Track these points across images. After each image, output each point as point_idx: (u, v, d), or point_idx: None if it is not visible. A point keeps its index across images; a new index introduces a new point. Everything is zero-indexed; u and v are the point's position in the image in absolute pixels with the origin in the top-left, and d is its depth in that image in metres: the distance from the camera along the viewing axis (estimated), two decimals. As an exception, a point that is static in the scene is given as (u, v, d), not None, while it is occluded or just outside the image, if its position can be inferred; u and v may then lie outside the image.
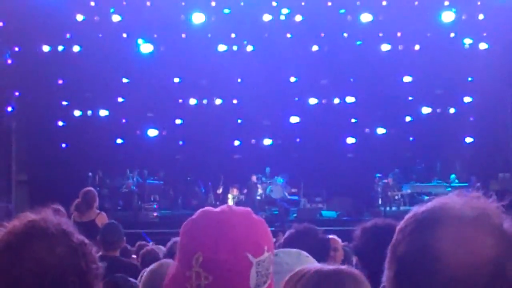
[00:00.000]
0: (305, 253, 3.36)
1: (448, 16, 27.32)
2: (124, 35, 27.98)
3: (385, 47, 28.36)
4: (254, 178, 27.03)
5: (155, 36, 28.08)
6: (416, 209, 1.75)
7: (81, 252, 2.25)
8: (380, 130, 29.65)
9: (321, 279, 2.44)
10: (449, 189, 26.02)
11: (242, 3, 27.19)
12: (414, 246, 1.66)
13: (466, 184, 26.51)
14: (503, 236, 1.63)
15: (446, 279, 1.60)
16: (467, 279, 1.59)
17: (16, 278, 2.15)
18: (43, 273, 2.15)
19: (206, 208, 2.36)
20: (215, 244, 2.18)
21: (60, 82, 28.13)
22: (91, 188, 12.27)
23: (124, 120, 29.32)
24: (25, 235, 2.21)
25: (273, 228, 22.54)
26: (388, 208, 26.33)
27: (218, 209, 2.32)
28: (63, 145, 28.72)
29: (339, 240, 8.06)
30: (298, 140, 29.86)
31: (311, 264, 3.24)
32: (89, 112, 29.03)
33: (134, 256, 10.13)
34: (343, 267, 2.56)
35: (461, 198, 1.72)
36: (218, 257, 2.16)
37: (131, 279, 5.42)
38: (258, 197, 27.08)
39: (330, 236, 6.77)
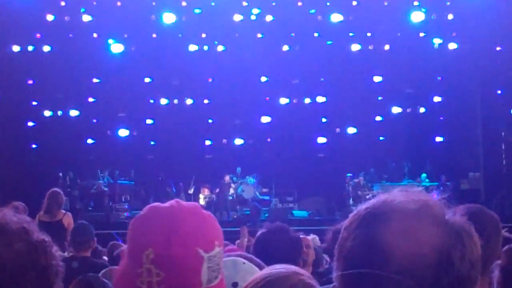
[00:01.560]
0: (241, 259, 3.31)
1: (417, 16, 27.48)
2: (95, 35, 27.90)
3: (355, 47, 28.48)
4: (227, 178, 27.00)
5: (126, 36, 28.02)
6: (360, 207, 1.78)
7: (41, 249, 2.24)
8: (351, 130, 29.73)
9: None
10: (420, 188, 26.13)
11: (213, 3, 27.19)
12: (360, 242, 1.68)
13: (437, 184, 26.68)
14: (446, 225, 1.67)
15: (393, 272, 1.61)
16: (414, 270, 1.61)
17: None
18: (1, 269, 2.15)
19: (154, 204, 2.34)
20: (166, 240, 2.16)
21: (30, 82, 27.96)
22: (58, 189, 12.26)
23: (94, 120, 29.23)
24: None
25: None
26: (359, 208, 26.31)
27: (166, 204, 2.30)
28: (33, 146, 28.55)
29: (310, 239, 8.08)
30: (269, 140, 29.85)
31: (250, 269, 3.22)
32: (60, 112, 28.88)
33: (106, 257, 10.09)
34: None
35: (402, 193, 1.75)
36: (170, 253, 2.14)
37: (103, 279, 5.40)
38: (230, 197, 27.07)
39: (301, 236, 6.79)
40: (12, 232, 2.21)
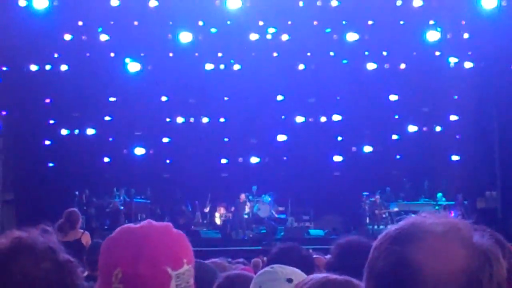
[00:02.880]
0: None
1: (433, 35, 27.44)
2: (112, 54, 28.00)
3: (371, 66, 28.48)
4: (242, 196, 26.95)
5: (143, 55, 28.11)
6: (389, 228, 1.84)
7: (67, 269, 2.28)
8: (367, 148, 29.68)
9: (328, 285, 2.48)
10: (437, 207, 26.10)
11: (229, 22, 27.24)
12: (391, 261, 1.74)
13: (453, 202, 26.58)
14: (474, 248, 1.74)
15: None
16: None
17: None
18: (28, 287, 2.18)
19: (126, 225, 2.39)
20: (134, 259, 2.19)
21: (48, 101, 28.09)
22: (75, 209, 12.33)
23: (111, 139, 29.28)
24: (12, 251, 2.24)
25: (260, 247, 22.54)
26: (376, 227, 26.28)
27: (138, 225, 2.35)
28: (50, 164, 28.62)
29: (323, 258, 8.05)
30: (285, 158, 29.84)
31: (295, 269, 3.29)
32: (76, 131, 28.96)
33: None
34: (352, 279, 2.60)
35: (431, 215, 1.81)
36: (137, 271, 2.17)
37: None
38: (246, 216, 27.04)
39: (315, 256, 6.78)
40: (39, 251, 2.25)
